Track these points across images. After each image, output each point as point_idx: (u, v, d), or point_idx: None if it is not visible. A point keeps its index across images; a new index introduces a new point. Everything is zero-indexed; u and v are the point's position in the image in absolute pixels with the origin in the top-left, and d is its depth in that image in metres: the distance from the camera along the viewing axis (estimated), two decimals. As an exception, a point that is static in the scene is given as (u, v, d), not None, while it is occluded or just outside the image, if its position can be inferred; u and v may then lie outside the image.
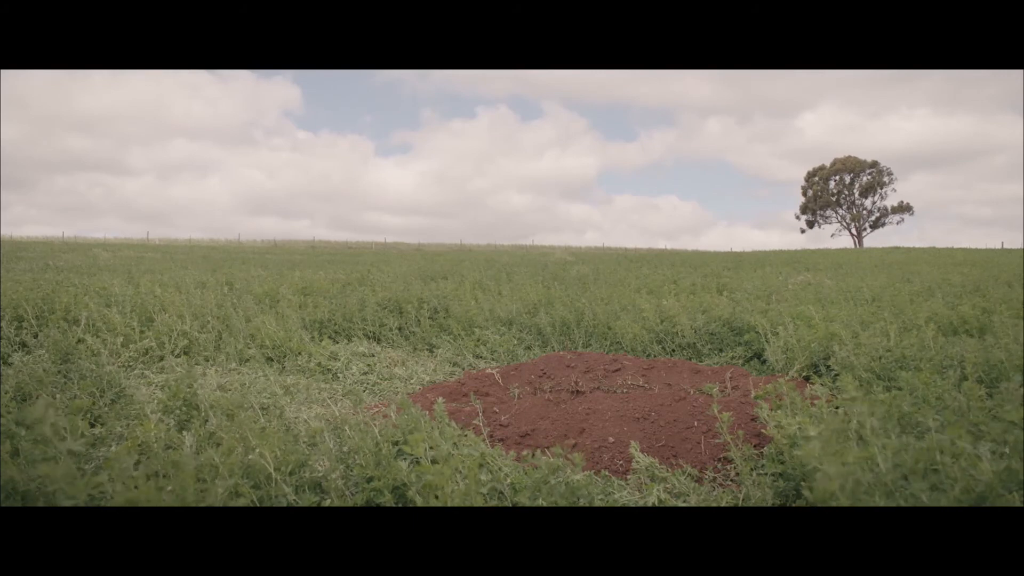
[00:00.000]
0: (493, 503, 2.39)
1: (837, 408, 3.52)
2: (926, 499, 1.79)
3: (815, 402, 3.00)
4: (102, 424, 3.46)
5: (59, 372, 4.09)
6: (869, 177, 57.92)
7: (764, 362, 5.53)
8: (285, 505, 2.35)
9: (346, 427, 2.93)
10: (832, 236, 61.07)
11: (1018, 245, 44.71)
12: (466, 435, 2.95)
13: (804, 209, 60.22)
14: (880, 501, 1.76)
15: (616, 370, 4.91)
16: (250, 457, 2.42)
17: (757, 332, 5.80)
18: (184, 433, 2.93)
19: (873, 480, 1.88)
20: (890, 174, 57.94)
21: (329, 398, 4.58)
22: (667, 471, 2.93)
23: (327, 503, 2.38)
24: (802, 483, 2.51)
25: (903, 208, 57.94)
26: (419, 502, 2.18)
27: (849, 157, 58.41)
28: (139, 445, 2.68)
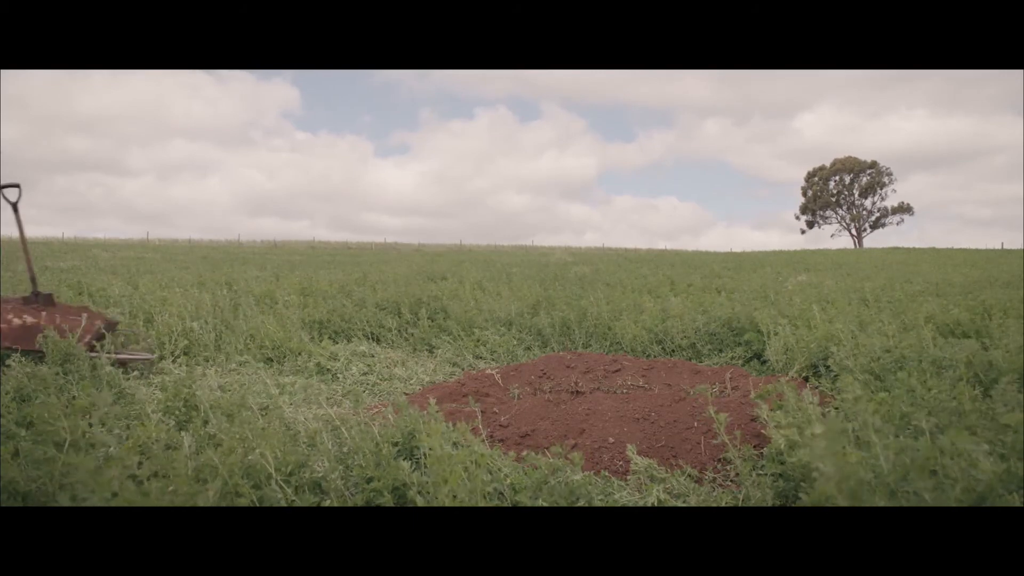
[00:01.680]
0: (493, 503, 2.39)
1: (836, 408, 3.52)
2: (928, 499, 1.79)
3: (809, 403, 2.99)
4: (102, 424, 3.45)
5: (59, 373, 4.09)
6: (869, 177, 57.97)
7: (764, 362, 5.53)
8: (285, 505, 2.34)
9: (346, 427, 2.93)
10: (832, 237, 61.16)
11: (1018, 245, 44.74)
12: (466, 435, 2.94)
13: (804, 209, 60.29)
14: (881, 501, 1.76)
15: (616, 370, 4.91)
16: (250, 458, 2.41)
17: (758, 332, 5.80)
18: (183, 433, 2.93)
19: (875, 480, 1.88)
20: (890, 174, 58.03)
21: (329, 398, 4.58)
22: (667, 472, 2.93)
23: (327, 504, 2.38)
24: (801, 483, 2.51)
25: (903, 208, 58.00)
26: (419, 502, 2.18)
27: (849, 157, 58.46)
28: (139, 445, 2.67)
